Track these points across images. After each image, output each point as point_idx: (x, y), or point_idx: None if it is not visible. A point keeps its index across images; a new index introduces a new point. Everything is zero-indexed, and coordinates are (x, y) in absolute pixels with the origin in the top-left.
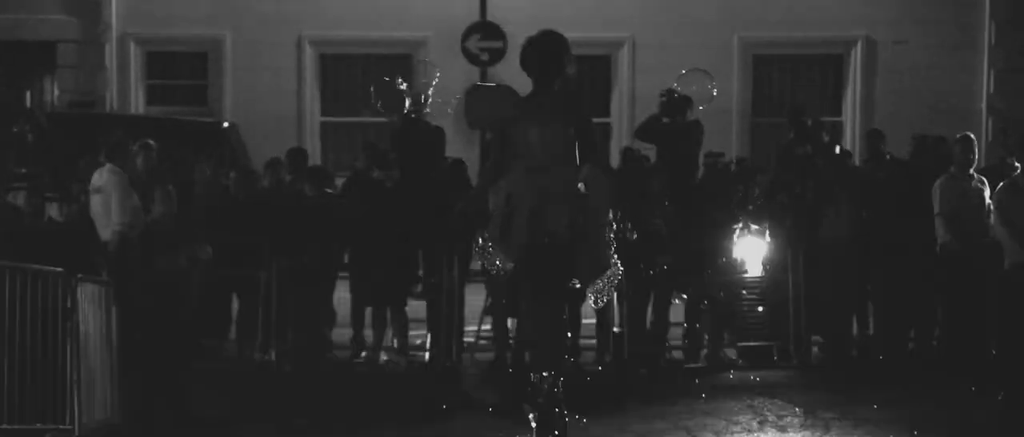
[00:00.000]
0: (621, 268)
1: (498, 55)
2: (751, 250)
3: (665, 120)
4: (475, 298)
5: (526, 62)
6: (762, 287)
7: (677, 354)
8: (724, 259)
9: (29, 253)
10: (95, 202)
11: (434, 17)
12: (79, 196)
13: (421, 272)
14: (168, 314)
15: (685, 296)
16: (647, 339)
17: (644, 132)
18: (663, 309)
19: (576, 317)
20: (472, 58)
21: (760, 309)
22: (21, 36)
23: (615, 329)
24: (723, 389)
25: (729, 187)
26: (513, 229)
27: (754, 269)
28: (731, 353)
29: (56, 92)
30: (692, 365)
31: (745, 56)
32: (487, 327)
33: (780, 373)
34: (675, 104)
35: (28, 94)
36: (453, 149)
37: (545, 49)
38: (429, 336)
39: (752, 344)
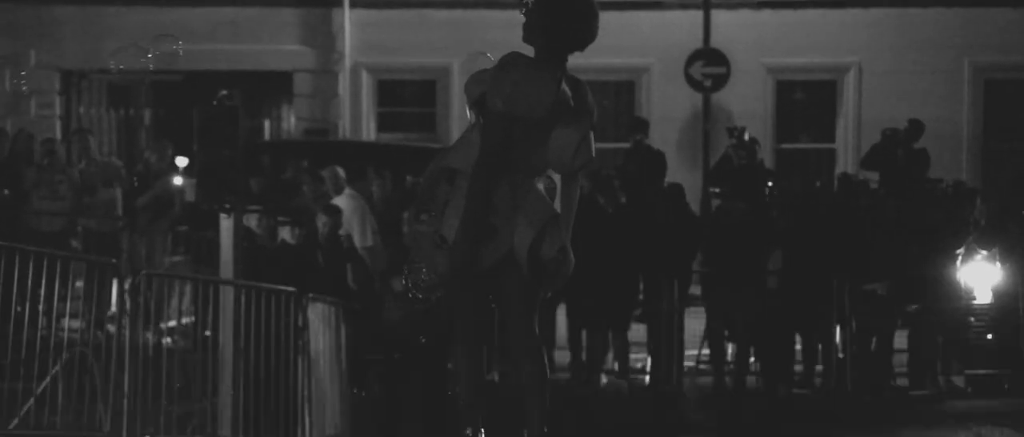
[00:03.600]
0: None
1: (721, 81)
2: (980, 276)
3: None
4: (695, 322)
5: (552, 18)
6: (991, 314)
7: (902, 381)
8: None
9: (263, 273)
10: None
11: (657, 44)
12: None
13: (642, 296)
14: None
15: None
16: (871, 366)
17: (870, 161)
18: (887, 335)
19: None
20: (695, 84)
21: (989, 336)
22: (261, 66)
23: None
24: (949, 418)
25: (948, 212)
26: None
27: (983, 296)
28: (959, 381)
29: (293, 120)
30: (917, 392)
31: (977, 81)
32: (706, 352)
33: (1010, 402)
34: (906, 133)
35: (266, 122)
36: (671, 173)
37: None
38: (650, 359)
39: (981, 372)
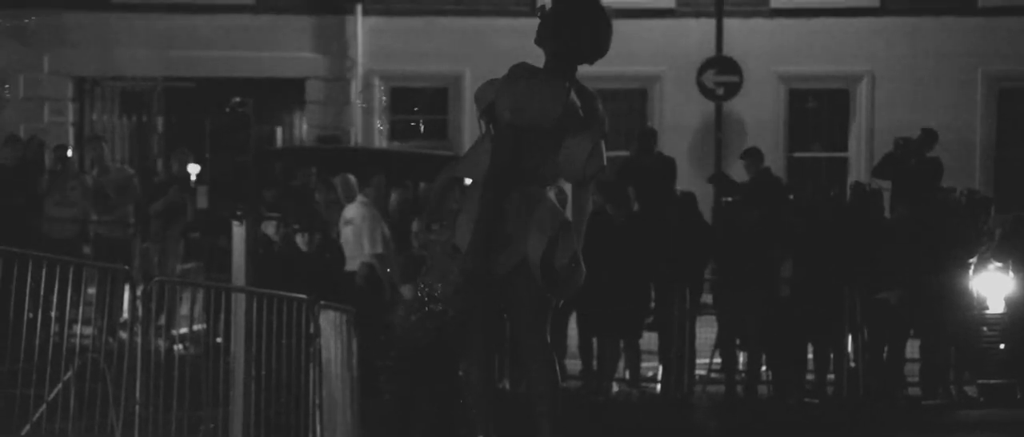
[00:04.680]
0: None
1: (734, 89)
2: (993, 286)
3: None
4: (706, 330)
5: (564, 26)
6: (1004, 324)
7: (914, 390)
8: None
9: (276, 281)
10: (347, 233)
11: (669, 52)
12: (323, 227)
13: (653, 304)
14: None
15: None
16: (883, 375)
17: (882, 170)
18: (899, 344)
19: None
20: (707, 92)
21: (1002, 346)
22: (272, 73)
23: (852, 364)
24: (962, 427)
25: (961, 221)
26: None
27: (995, 305)
28: (971, 390)
29: (305, 127)
30: (929, 402)
31: (990, 90)
32: (718, 360)
33: (1023, 412)
34: (919, 142)
35: (279, 130)
36: (684, 181)
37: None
38: (661, 368)
39: (993, 382)
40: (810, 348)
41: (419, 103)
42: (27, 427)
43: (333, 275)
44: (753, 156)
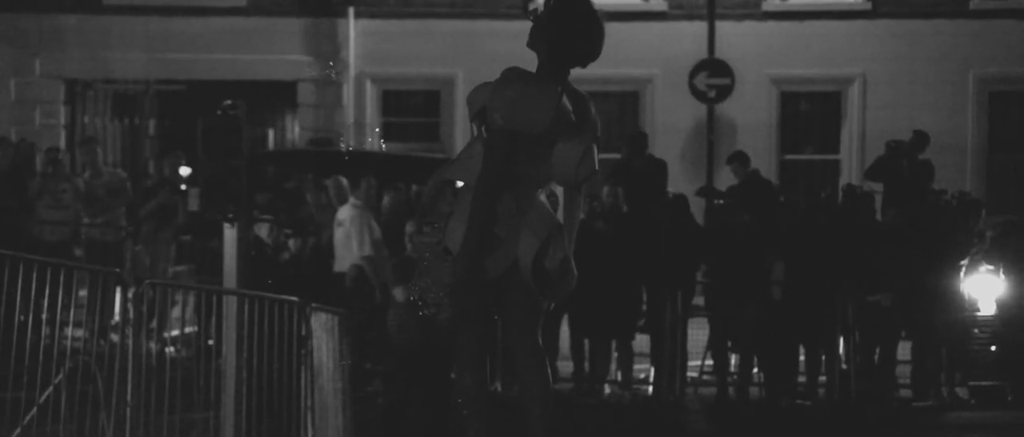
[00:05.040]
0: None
1: (726, 92)
2: (984, 288)
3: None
4: (698, 333)
5: (557, 30)
6: (995, 326)
7: (905, 392)
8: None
9: (267, 283)
10: (338, 235)
11: (661, 55)
12: (315, 230)
13: (645, 306)
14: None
15: None
16: (875, 377)
17: (874, 172)
18: (891, 346)
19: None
20: (699, 95)
21: (993, 348)
22: (264, 76)
23: (843, 366)
24: (953, 429)
25: (953, 224)
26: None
27: (986, 308)
28: (962, 392)
29: (297, 130)
30: (921, 403)
31: (981, 92)
32: (710, 362)
33: (1013, 414)
34: (911, 145)
35: (271, 132)
36: (675, 183)
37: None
38: (653, 370)
39: (984, 383)
40: (802, 350)
41: (411, 106)
42: (17, 430)
43: (324, 277)
44: (740, 160)
